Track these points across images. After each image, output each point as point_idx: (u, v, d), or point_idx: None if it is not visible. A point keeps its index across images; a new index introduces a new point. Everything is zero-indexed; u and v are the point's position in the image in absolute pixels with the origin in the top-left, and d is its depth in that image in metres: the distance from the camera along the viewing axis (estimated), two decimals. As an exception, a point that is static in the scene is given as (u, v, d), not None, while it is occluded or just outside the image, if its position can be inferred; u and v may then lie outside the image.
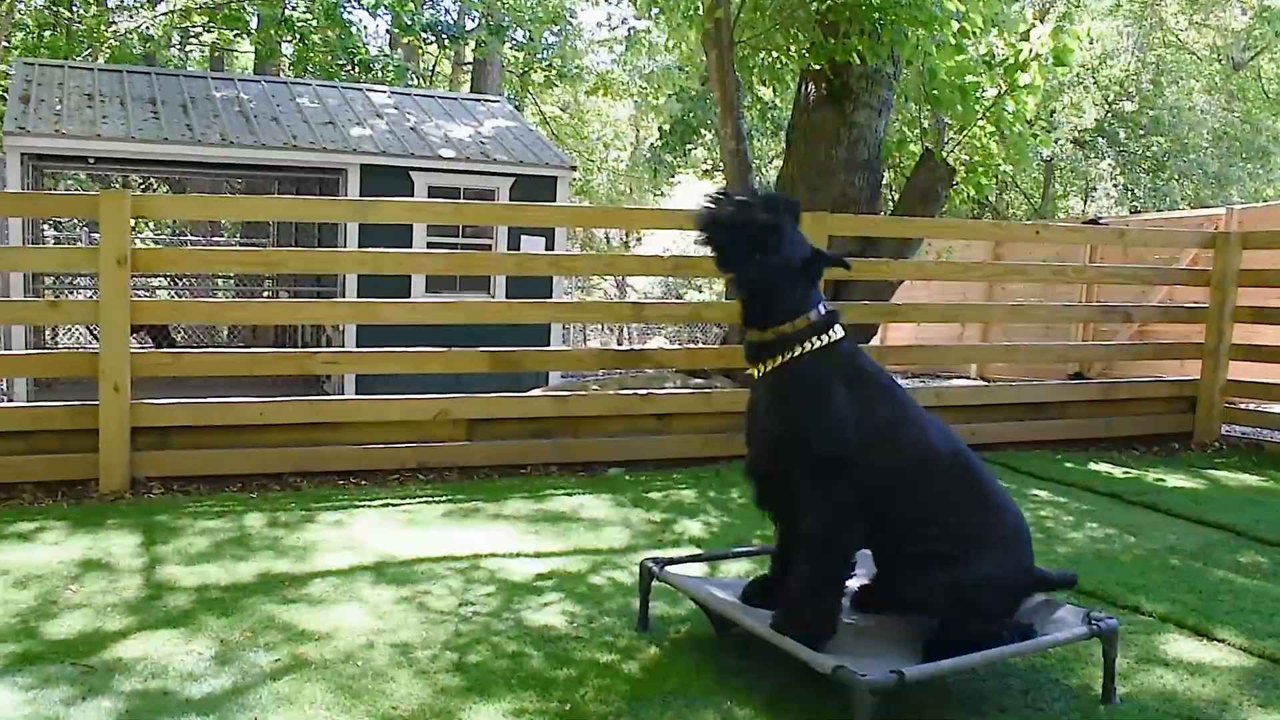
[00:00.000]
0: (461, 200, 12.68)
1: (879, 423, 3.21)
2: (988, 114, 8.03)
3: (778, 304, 3.27)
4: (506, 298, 13.18)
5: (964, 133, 8.45)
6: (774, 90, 9.86)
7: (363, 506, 5.38)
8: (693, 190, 32.30)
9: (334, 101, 15.29)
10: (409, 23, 20.64)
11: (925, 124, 9.69)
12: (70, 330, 16.67)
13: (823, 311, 3.31)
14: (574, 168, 15.85)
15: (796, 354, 3.25)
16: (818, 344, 3.25)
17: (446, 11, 25.80)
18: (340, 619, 3.76)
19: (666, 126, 23.88)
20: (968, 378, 13.08)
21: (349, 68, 20.84)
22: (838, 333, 3.29)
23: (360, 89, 16.60)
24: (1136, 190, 26.14)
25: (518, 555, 4.62)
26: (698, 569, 4.00)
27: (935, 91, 7.61)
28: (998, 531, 3.20)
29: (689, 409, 6.67)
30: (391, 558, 4.52)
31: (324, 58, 20.63)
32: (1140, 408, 7.80)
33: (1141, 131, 25.81)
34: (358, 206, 7.62)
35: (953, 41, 7.61)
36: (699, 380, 7.69)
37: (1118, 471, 6.71)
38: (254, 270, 13.99)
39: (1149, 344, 10.00)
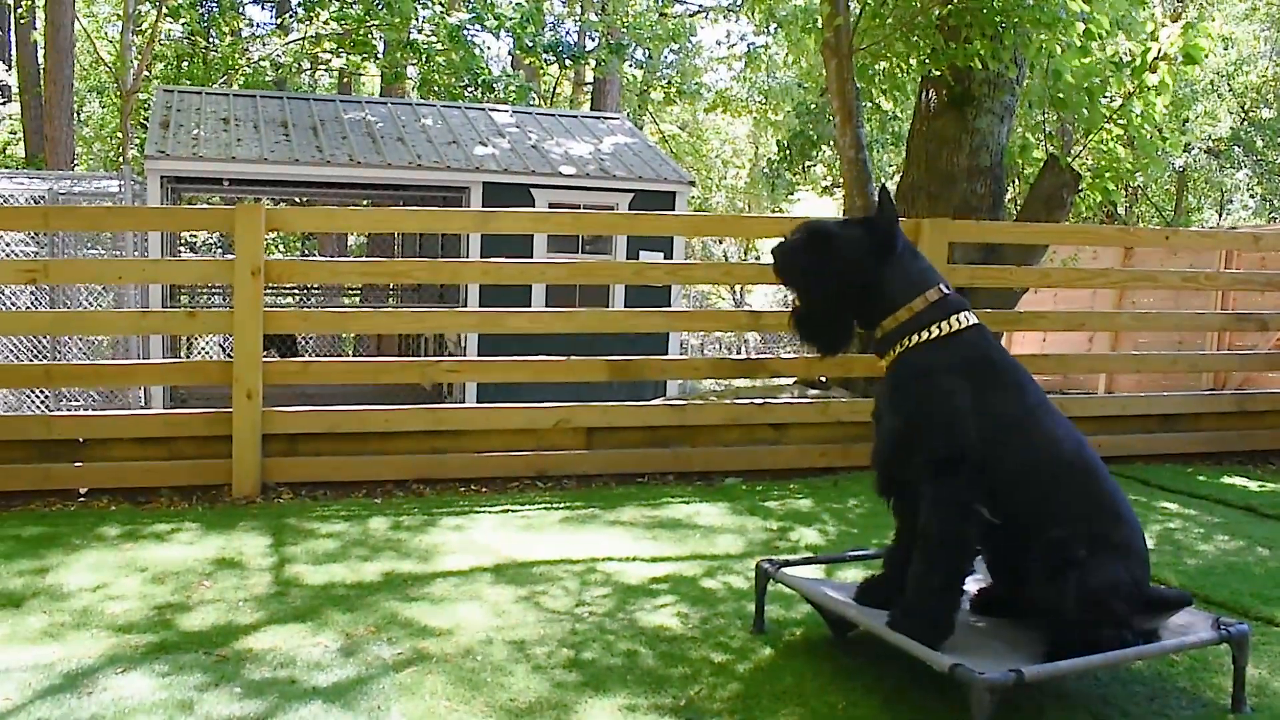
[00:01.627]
0: (580, 211, 12.79)
1: (1005, 418, 3.12)
2: (1115, 117, 7.82)
3: (870, 306, 3.26)
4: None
5: (1090, 136, 8.25)
6: (894, 101, 9.76)
7: (483, 512, 5.47)
8: (812, 207, 32.14)
9: (457, 121, 15.59)
10: (530, 44, 20.91)
11: (1049, 129, 9.49)
12: (202, 351, 17.27)
13: (943, 291, 3.23)
14: (692, 183, 15.87)
15: (910, 344, 3.19)
16: (934, 334, 3.18)
17: (567, 33, 26.17)
18: (460, 616, 3.84)
19: (784, 141, 23.79)
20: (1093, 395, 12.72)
21: (472, 89, 21.20)
22: (963, 321, 3.20)
23: (483, 109, 16.87)
24: (1276, 200, 25.20)
25: (633, 559, 4.65)
26: (813, 571, 3.97)
27: (1060, 95, 7.44)
28: (1122, 536, 3.10)
29: (806, 419, 6.63)
30: (510, 560, 4.59)
31: (448, 79, 21.01)
32: (1278, 420, 7.49)
33: (1280, 139, 24.89)
34: (479, 217, 7.73)
35: (1078, 44, 7.44)
36: (816, 390, 7.64)
37: (1253, 485, 6.47)
38: (379, 280, 14.33)
39: (1288, 354, 9.62)
